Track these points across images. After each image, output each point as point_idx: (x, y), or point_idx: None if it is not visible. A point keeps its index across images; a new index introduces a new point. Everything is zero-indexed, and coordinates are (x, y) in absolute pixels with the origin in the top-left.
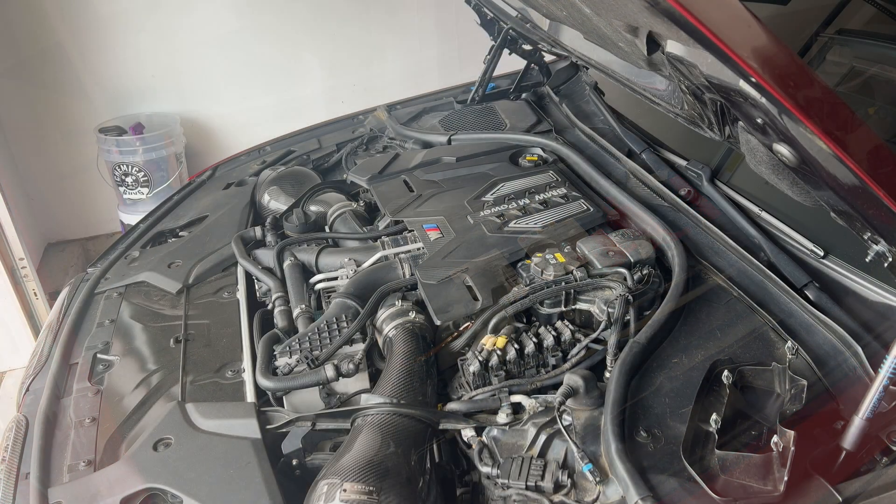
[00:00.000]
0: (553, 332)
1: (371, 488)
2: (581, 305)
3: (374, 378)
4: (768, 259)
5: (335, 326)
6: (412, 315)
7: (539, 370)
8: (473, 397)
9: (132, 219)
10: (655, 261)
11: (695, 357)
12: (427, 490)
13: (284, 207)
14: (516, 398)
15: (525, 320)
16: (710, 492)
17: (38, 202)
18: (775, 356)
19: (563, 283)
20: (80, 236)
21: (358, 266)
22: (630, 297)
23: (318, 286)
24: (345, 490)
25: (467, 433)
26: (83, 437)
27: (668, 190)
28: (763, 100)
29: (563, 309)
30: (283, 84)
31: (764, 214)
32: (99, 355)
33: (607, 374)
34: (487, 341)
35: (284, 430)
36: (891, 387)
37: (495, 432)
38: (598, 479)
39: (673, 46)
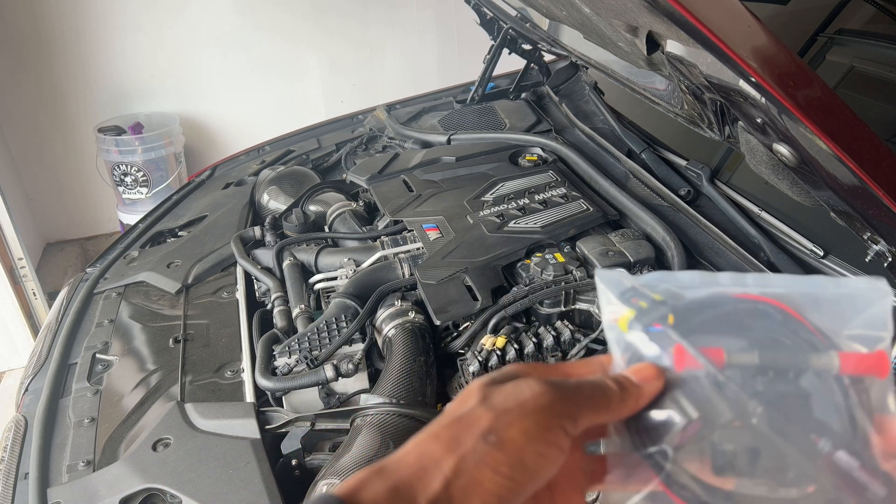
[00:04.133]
0: (553, 332)
1: None
2: (581, 305)
3: (374, 378)
4: (768, 259)
5: (334, 326)
6: (412, 315)
7: None
8: None
9: (131, 219)
10: (655, 261)
11: None
12: None
13: (284, 207)
14: None
15: (524, 320)
16: None
17: (37, 202)
18: None
19: (562, 283)
20: (79, 236)
21: (357, 266)
22: None
23: (318, 286)
24: None
25: None
26: (82, 437)
27: (668, 190)
28: (763, 99)
29: (562, 309)
30: (282, 83)
31: (764, 214)
32: (98, 355)
33: None
34: (487, 341)
35: (284, 430)
36: None
37: None
38: None
39: (673, 46)
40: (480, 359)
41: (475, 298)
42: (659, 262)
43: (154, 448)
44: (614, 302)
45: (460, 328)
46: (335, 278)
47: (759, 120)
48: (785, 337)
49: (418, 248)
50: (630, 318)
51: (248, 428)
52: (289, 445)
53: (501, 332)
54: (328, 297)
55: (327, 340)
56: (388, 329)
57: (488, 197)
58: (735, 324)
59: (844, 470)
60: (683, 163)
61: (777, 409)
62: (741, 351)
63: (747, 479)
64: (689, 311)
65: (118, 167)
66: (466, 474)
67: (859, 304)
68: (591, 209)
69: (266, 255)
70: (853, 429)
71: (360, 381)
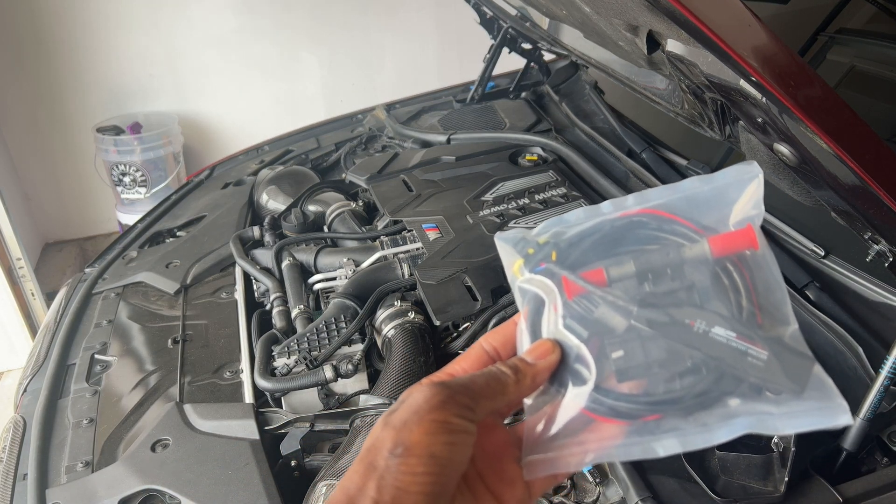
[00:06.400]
0: None
1: None
2: None
3: (373, 379)
4: None
5: (334, 327)
6: (411, 315)
7: None
8: None
9: (130, 219)
10: None
11: None
12: None
13: (283, 207)
14: None
15: None
16: (709, 492)
17: (36, 202)
18: None
19: None
20: (78, 236)
21: (357, 266)
22: None
23: (317, 286)
24: None
25: None
26: (81, 438)
27: None
28: (763, 99)
29: None
30: (281, 83)
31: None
32: (97, 356)
33: None
34: None
35: (283, 431)
36: (891, 387)
37: None
38: (597, 479)
39: (673, 45)
40: None
41: (475, 298)
42: None
43: (153, 449)
44: (512, 255)
45: (460, 328)
46: (334, 278)
47: (759, 119)
48: (658, 238)
49: (418, 248)
50: (520, 265)
51: (248, 429)
52: (288, 446)
53: None
54: (327, 297)
55: (326, 341)
56: (388, 329)
57: (488, 197)
58: (612, 242)
59: (724, 344)
60: (684, 162)
61: (652, 306)
62: (618, 265)
63: (651, 379)
64: (571, 244)
65: (117, 167)
66: (389, 488)
67: (734, 191)
68: None
69: (265, 256)
70: (738, 306)
71: (360, 381)
